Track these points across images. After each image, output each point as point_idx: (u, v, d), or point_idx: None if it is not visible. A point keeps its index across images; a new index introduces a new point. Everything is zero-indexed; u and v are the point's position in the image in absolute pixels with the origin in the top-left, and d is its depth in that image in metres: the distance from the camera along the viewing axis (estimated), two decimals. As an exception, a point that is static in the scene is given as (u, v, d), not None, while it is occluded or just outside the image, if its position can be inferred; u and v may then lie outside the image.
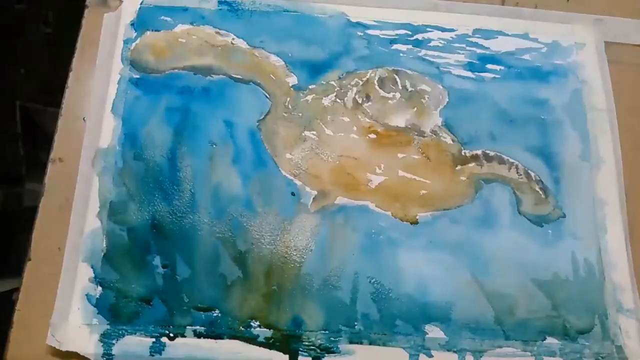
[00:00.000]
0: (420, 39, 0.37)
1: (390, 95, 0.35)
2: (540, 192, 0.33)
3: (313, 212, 0.32)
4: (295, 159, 0.33)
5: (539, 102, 0.35)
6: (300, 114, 0.34)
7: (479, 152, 0.34)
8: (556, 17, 0.38)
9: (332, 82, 0.35)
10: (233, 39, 0.36)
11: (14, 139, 0.49)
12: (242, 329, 0.29)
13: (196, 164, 0.33)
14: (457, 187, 0.33)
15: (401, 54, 0.36)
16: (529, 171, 0.34)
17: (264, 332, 0.29)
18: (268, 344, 0.29)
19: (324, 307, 0.30)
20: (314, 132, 0.34)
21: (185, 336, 0.29)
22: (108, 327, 0.29)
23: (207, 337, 0.29)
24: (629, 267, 0.32)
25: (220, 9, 0.37)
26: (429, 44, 0.37)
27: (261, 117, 0.34)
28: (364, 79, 0.35)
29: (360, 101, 0.35)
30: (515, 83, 0.36)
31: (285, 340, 0.29)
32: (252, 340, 0.29)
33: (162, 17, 0.36)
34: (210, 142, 0.33)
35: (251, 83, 0.35)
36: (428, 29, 0.37)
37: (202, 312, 0.30)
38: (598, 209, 0.33)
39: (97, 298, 0.30)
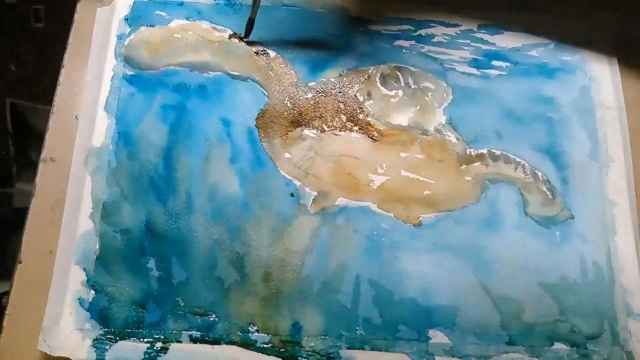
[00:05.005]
0: (423, 34, 0.36)
1: (393, 92, 0.34)
2: (548, 193, 0.32)
3: (313, 213, 0.31)
4: (294, 159, 0.32)
5: (546, 100, 0.34)
6: (299, 113, 0.34)
7: (485, 151, 0.33)
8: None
9: (333, 79, 0.34)
10: (230, 34, 0.35)
11: (4, 137, 0.48)
12: (240, 333, 0.29)
13: (192, 164, 0.32)
14: (462, 187, 0.32)
15: (404, 50, 0.35)
16: (536, 171, 0.33)
17: (262, 337, 0.29)
18: (266, 350, 0.29)
19: (324, 311, 0.29)
20: (314, 131, 0.33)
21: (180, 341, 0.29)
22: (101, 332, 0.28)
23: (204, 342, 0.29)
24: (639, 270, 0.31)
25: (217, 4, 0.36)
26: (432, 40, 0.36)
27: (259, 115, 0.33)
28: (366, 76, 0.35)
29: (361, 99, 0.34)
30: (522, 80, 0.35)
31: (284, 346, 0.29)
32: (250, 345, 0.29)
33: (157, 12, 0.35)
34: (206, 141, 0.32)
35: (249, 80, 0.34)
36: (432, 24, 0.36)
37: (198, 317, 0.29)
38: (607, 210, 0.32)
39: (89, 302, 0.29)
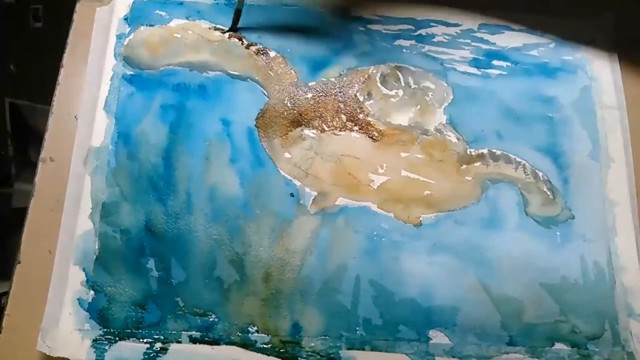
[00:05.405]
0: (423, 34, 0.36)
1: (393, 92, 0.34)
2: (548, 193, 0.32)
3: (313, 213, 0.31)
4: (294, 159, 0.32)
5: (546, 100, 0.34)
6: (299, 113, 0.33)
7: (485, 151, 0.33)
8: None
9: (333, 79, 0.34)
10: (230, 34, 0.35)
11: (3, 137, 0.48)
12: (240, 334, 0.29)
13: (192, 164, 0.32)
14: (462, 187, 0.32)
15: (404, 50, 0.35)
16: (537, 171, 0.33)
17: (262, 338, 0.29)
18: (266, 350, 0.29)
19: (324, 311, 0.29)
20: (314, 131, 0.33)
21: (180, 342, 0.29)
22: (100, 332, 0.28)
23: (203, 343, 0.29)
24: (640, 270, 0.31)
25: (217, 3, 0.36)
26: (432, 40, 0.36)
27: (259, 115, 0.33)
28: (366, 75, 0.34)
29: (361, 99, 0.34)
30: (522, 80, 0.35)
31: (284, 346, 0.29)
32: (249, 345, 0.29)
33: (157, 12, 0.35)
34: (206, 141, 0.32)
35: (249, 80, 0.34)
36: (432, 24, 0.36)
37: (198, 317, 0.29)
38: (608, 210, 0.32)
39: (89, 302, 0.29)
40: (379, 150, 0.33)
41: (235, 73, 0.34)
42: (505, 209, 0.32)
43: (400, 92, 0.34)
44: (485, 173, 0.32)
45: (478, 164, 0.33)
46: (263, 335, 0.29)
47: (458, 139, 0.33)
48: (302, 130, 0.33)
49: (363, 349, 0.29)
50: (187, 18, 0.35)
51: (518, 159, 0.33)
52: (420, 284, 0.30)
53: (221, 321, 0.29)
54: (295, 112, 0.34)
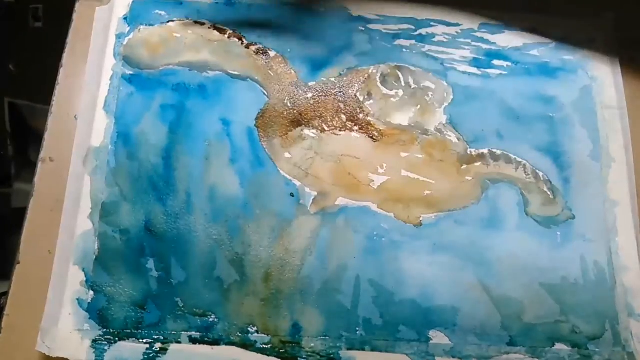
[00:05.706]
0: (424, 34, 0.36)
1: (393, 92, 0.34)
2: (549, 193, 0.32)
3: (313, 213, 0.31)
4: (294, 159, 0.32)
5: (547, 100, 0.34)
6: (299, 112, 0.33)
7: (486, 150, 0.33)
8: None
9: (333, 79, 0.34)
10: (230, 33, 0.35)
11: (2, 137, 0.48)
12: (240, 334, 0.29)
13: (192, 164, 0.32)
14: (462, 187, 0.32)
15: (404, 50, 0.35)
16: (537, 171, 0.33)
17: (262, 338, 0.29)
18: (266, 350, 0.29)
19: (324, 312, 0.29)
20: (314, 131, 0.33)
21: (180, 342, 0.29)
22: (100, 332, 0.28)
23: (203, 343, 0.29)
24: (641, 270, 0.31)
25: (217, 3, 0.36)
26: (433, 39, 0.36)
27: (259, 115, 0.33)
28: (366, 75, 0.34)
29: (362, 99, 0.34)
30: (523, 80, 0.35)
31: (284, 347, 0.29)
32: (249, 346, 0.29)
33: (156, 11, 0.35)
34: (205, 141, 0.32)
35: (249, 80, 0.34)
36: (432, 24, 0.36)
37: (197, 317, 0.29)
38: (609, 210, 0.32)
39: (88, 303, 0.29)
40: (379, 150, 0.33)
41: (235, 73, 0.34)
42: (505, 209, 0.32)
43: (400, 92, 0.34)
44: (485, 173, 0.32)
45: (478, 164, 0.33)
46: (263, 335, 0.29)
47: (458, 139, 0.33)
48: (302, 130, 0.33)
49: (363, 349, 0.29)
50: (186, 18, 0.35)
51: (518, 159, 0.33)
52: (421, 284, 0.30)
53: (221, 321, 0.29)
54: (295, 112, 0.34)
